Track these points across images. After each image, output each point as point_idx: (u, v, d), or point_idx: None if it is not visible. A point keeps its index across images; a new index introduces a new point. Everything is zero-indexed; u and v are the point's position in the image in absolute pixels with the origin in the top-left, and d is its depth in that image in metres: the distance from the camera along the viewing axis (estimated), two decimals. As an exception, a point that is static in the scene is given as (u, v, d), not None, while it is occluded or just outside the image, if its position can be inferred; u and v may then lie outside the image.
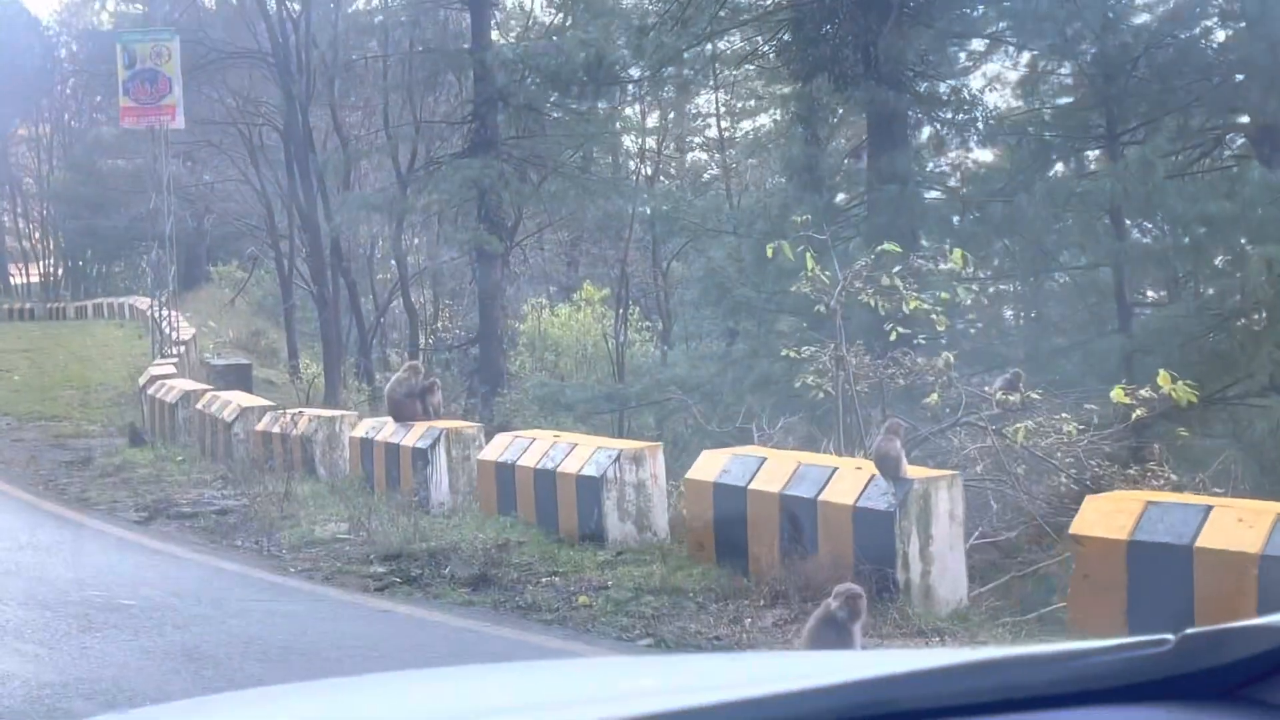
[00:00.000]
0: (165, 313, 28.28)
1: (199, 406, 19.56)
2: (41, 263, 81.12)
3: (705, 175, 49.32)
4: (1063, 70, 17.24)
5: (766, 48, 26.43)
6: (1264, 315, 14.06)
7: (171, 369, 24.10)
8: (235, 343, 41.81)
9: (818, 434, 14.28)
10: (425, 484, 13.58)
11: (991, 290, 17.86)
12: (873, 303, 10.70)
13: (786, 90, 38.92)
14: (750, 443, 14.13)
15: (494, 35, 34.16)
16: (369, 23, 34.68)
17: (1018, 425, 9.74)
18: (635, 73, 24.37)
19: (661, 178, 43.13)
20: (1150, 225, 16.82)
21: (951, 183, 18.71)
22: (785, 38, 23.07)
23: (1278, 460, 13.22)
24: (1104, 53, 16.10)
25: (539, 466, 11.83)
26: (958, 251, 10.84)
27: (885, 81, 19.79)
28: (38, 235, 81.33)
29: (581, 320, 42.44)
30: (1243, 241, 15.09)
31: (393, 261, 36.62)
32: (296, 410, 17.19)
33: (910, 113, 20.47)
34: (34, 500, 16.36)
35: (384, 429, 14.59)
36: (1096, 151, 17.83)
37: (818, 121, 34.44)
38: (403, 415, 14.49)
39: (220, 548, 13.23)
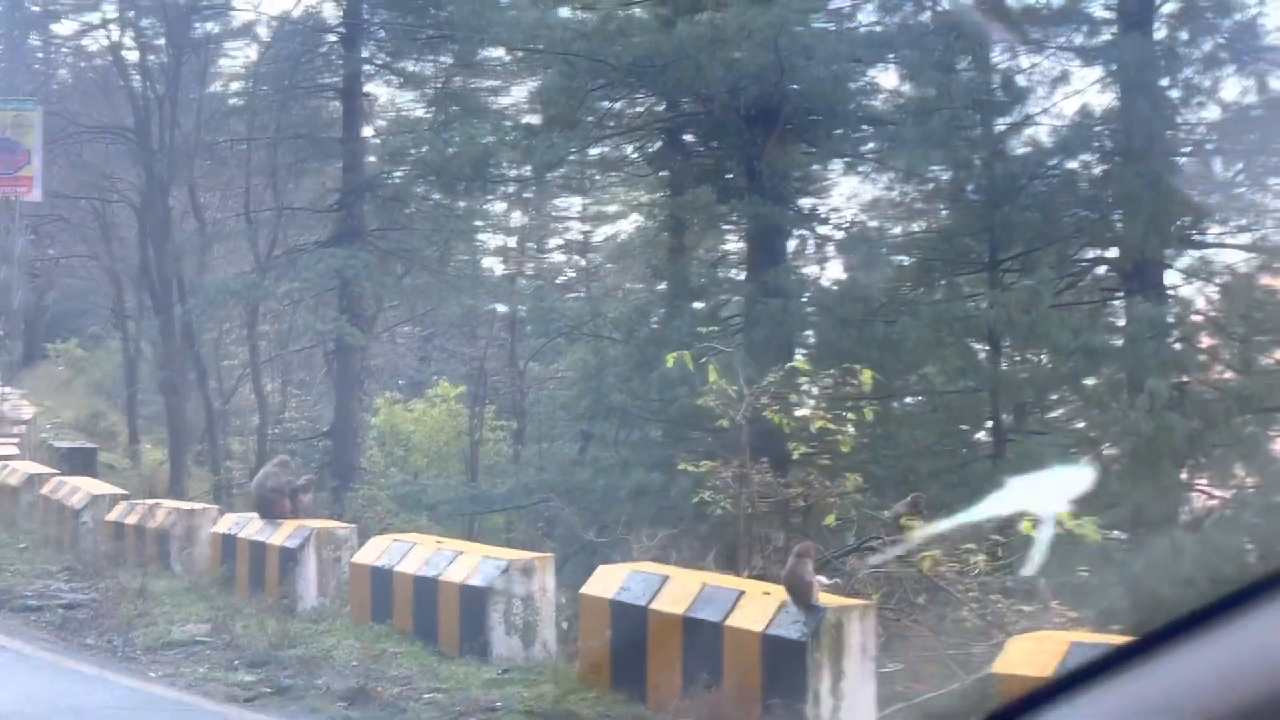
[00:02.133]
0: (3, 390, 27.08)
1: (44, 492, 18.63)
2: None
3: (560, 278, 49.31)
4: (942, 197, 17.47)
5: (640, 155, 26.47)
6: (1142, 448, 14.22)
7: (14, 449, 23.02)
8: (74, 424, 40.29)
9: (701, 550, 14.05)
10: (293, 586, 12.99)
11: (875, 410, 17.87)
12: (777, 419, 10.52)
13: (647, 198, 39.18)
14: (628, 554, 13.84)
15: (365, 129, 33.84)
16: (235, 105, 34.06)
17: (925, 554, 9.60)
18: (513, 173, 24.18)
19: (520, 277, 42.91)
20: (1029, 355, 17.00)
21: (828, 300, 18.77)
22: (663, 147, 23.15)
23: (1152, 596, 13.27)
24: (990, 180, 16.33)
25: (420, 574, 11.36)
26: (867, 372, 10.74)
27: (768, 196, 19.88)
28: None
29: (435, 416, 41.84)
30: (1120, 375, 15.34)
31: (246, 349, 35.71)
32: (153, 501, 16.42)
33: (791, 229, 20.59)
34: None
35: (249, 525, 13.98)
36: (973, 276, 18.03)
37: (685, 230, 34.68)
38: (270, 512, 13.90)
39: (70, 646, 12.48)
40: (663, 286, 28.38)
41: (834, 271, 20.72)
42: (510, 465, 28.45)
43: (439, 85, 32.36)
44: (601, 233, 48.29)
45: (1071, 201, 16.51)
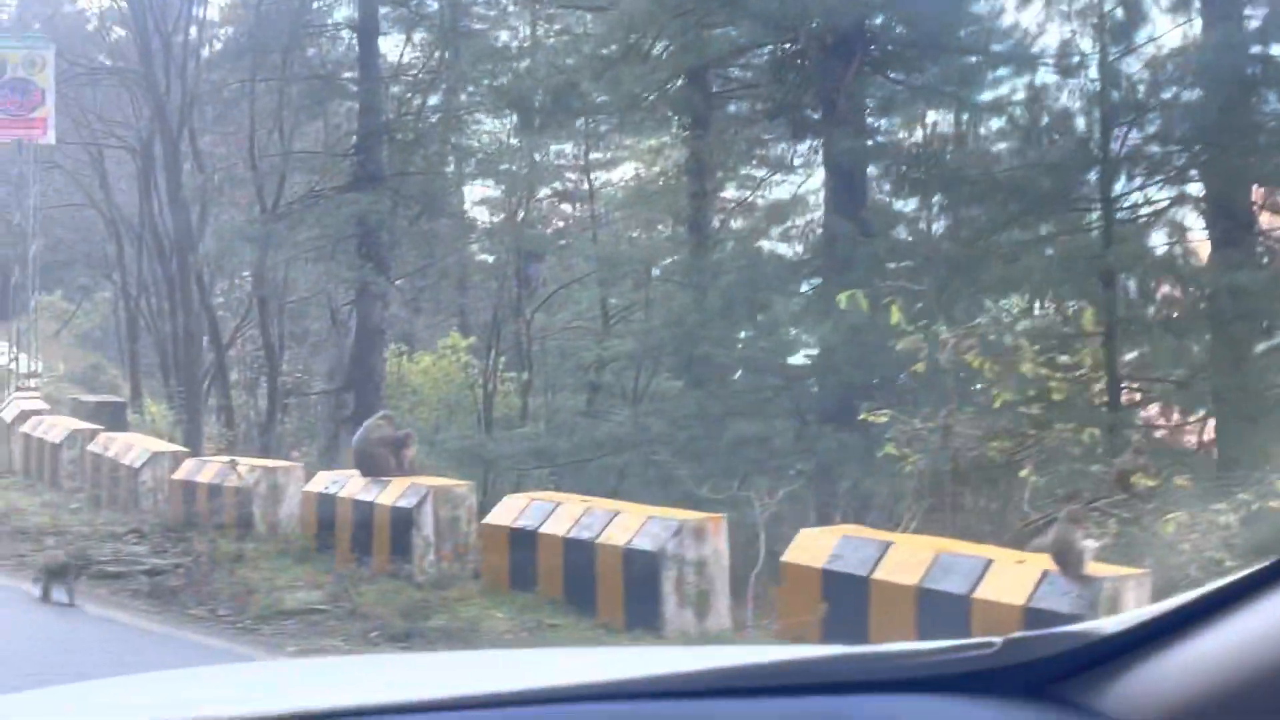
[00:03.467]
0: (18, 344, 25.84)
1: (93, 448, 17.54)
2: None
3: (559, 223, 48.13)
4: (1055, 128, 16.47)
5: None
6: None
7: (42, 404, 21.91)
8: (71, 378, 39.06)
9: (825, 505, 13.17)
10: (407, 549, 12.01)
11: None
12: (977, 363, 9.60)
13: (654, 142, 38.01)
14: (749, 513, 12.97)
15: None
16: (244, 44, 32.67)
17: (1169, 515, 8.73)
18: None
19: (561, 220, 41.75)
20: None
21: (927, 240, 17.86)
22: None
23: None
24: (1104, 109, 15.33)
25: (572, 536, 10.40)
26: (1088, 312, 9.82)
27: (847, 128, 18.90)
28: None
29: (444, 367, 40.82)
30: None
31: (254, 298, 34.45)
32: (227, 458, 15.37)
33: (877, 164, 19.59)
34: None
35: (349, 484, 12.97)
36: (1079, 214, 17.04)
37: (706, 174, 33.57)
38: (374, 469, 12.90)
39: (172, 616, 11.47)
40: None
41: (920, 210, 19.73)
42: (580, 419, 27.05)
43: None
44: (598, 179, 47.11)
45: (1192, 132, 15.54)
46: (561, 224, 48.33)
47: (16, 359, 25.63)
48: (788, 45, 19.60)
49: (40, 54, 24.90)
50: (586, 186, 47.14)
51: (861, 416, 11.66)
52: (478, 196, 42.72)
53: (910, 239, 18.78)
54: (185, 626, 10.97)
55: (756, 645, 9.46)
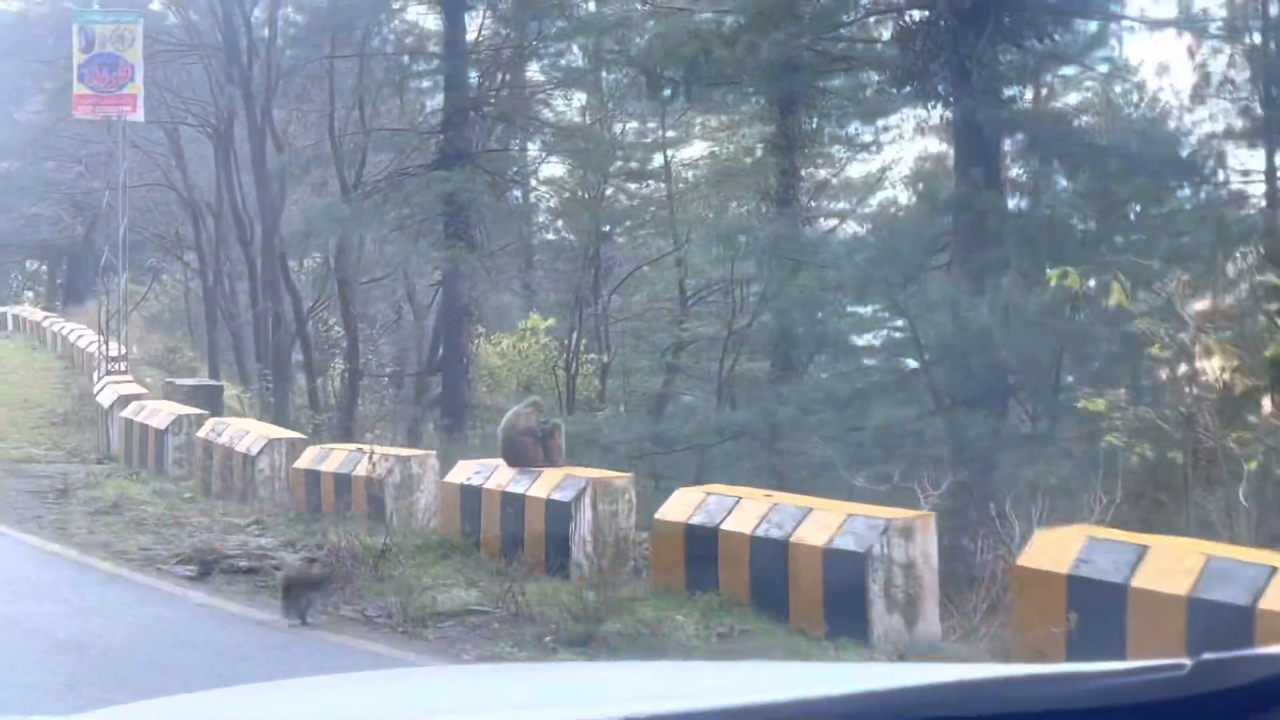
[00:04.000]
0: (108, 326, 25.29)
1: (202, 434, 16.91)
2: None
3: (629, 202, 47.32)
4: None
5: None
6: None
7: (139, 387, 21.34)
8: (147, 360, 38.64)
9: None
10: (564, 545, 11.27)
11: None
12: (1220, 349, 8.76)
13: (726, 118, 37.15)
14: (913, 504, 12.14)
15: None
16: (329, 21, 31.99)
17: None
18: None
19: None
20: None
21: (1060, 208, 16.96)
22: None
23: None
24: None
25: (760, 534, 9.61)
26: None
27: (979, 96, 18.00)
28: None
29: (524, 349, 40.16)
30: None
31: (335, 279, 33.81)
32: (353, 446, 14.68)
33: (1010, 132, 18.70)
34: (35, 541, 13.65)
35: (494, 475, 12.24)
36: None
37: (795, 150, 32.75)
38: (520, 459, 12.17)
39: (329, 617, 10.73)
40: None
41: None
42: (699, 404, 26.17)
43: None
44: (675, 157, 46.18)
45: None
46: (633, 203, 47.62)
47: (106, 343, 25.06)
48: (915, 12, 18.73)
49: (129, 28, 24.26)
50: (661, 164, 46.28)
51: (1080, 404, 10.81)
52: (544, 175, 42.05)
53: (1048, 211, 17.86)
54: (339, 629, 10.26)
55: (952, 663, 8.65)
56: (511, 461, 12.21)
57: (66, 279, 62.26)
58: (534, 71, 32.07)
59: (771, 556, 9.49)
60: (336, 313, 39.23)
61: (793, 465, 17.30)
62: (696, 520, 10.12)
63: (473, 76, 29.76)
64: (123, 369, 24.52)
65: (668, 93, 22.37)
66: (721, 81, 21.73)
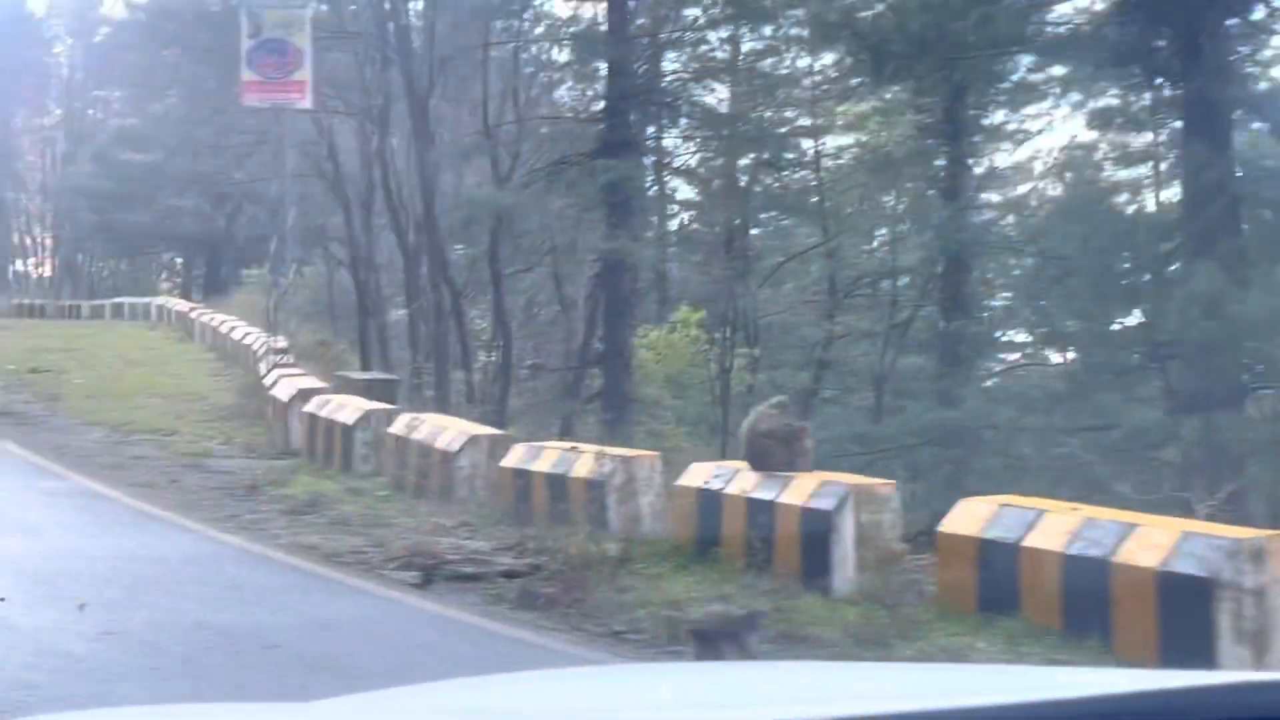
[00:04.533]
0: (275, 318, 24.83)
1: (396, 430, 16.23)
2: (40, 258, 77.46)
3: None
4: None
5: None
6: None
7: (316, 380, 20.79)
8: (297, 352, 38.38)
9: None
10: (824, 559, 10.33)
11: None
12: None
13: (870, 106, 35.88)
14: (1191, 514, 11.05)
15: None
16: (485, 6, 31.34)
17: None
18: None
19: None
20: None
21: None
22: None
23: None
24: None
25: (1073, 552, 8.61)
26: None
27: (1210, 75, 16.77)
28: (38, 230, 77.69)
29: (673, 342, 39.32)
30: None
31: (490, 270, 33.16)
32: (568, 445, 13.87)
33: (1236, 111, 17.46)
34: (238, 541, 13.02)
35: (735, 479, 11.34)
36: None
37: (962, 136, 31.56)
38: (765, 463, 11.26)
39: (560, 631, 9.92)
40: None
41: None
42: (899, 403, 25.14)
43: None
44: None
45: None
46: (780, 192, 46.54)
47: (275, 335, 24.60)
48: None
49: (297, 12, 23.75)
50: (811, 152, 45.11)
51: None
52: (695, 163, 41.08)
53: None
54: (590, 645, 9.44)
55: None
56: (756, 465, 11.31)
57: (206, 271, 62.62)
58: (688, 58, 31.15)
59: (1088, 579, 8.48)
60: (478, 305, 38.84)
61: (1011, 470, 16.23)
62: (992, 535, 9.13)
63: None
64: (289, 361, 24.05)
65: (891, 71, 21.30)
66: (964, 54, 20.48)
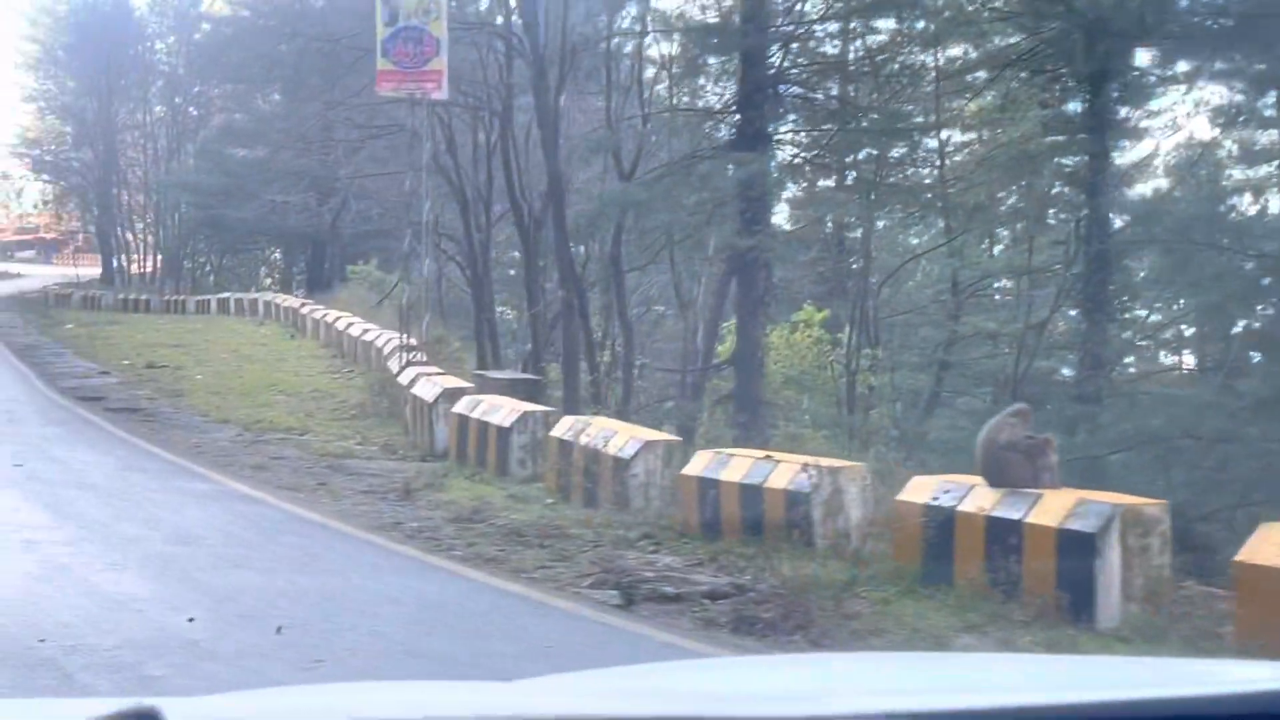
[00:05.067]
0: (409, 314, 24.02)
1: (558, 433, 15.34)
2: (142, 254, 77.80)
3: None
4: None
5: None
6: None
7: (458, 380, 19.99)
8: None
9: None
10: (1085, 591, 9.27)
11: None
12: None
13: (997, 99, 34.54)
14: None
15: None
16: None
17: None
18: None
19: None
20: None
21: None
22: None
23: None
24: None
25: None
26: None
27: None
28: (140, 226, 78.03)
29: (795, 342, 38.32)
30: None
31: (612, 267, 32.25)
32: (760, 453, 12.89)
33: None
34: (412, 552, 12.17)
35: (970, 495, 10.31)
36: None
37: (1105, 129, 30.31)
38: (1004, 477, 10.22)
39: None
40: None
41: None
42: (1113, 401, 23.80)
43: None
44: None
45: None
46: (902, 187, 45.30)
47: (407, 333, 23.83)
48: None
49: (435, 1, 22.94)
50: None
51: None
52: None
53: None
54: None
55: None
56: (994, 481, 10.26)
57: (309, 266, 62.27)
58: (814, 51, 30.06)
59: None
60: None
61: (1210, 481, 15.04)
62: (1295, 564, 8.05)
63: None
64: (422, 359, 23.29)
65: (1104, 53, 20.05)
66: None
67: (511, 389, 19.84)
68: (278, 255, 70.27)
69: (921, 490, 10.71)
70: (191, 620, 8.58)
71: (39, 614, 8.58)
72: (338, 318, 36.63)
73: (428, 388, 19.37)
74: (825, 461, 11.95)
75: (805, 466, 11.64)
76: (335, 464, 18.03)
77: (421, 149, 23.65)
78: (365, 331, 32.02)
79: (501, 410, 16.79)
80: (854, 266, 38.43)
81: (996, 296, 39.50)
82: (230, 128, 62.51)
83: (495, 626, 9.16)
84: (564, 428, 15.32)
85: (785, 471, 11.95)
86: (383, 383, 25.11)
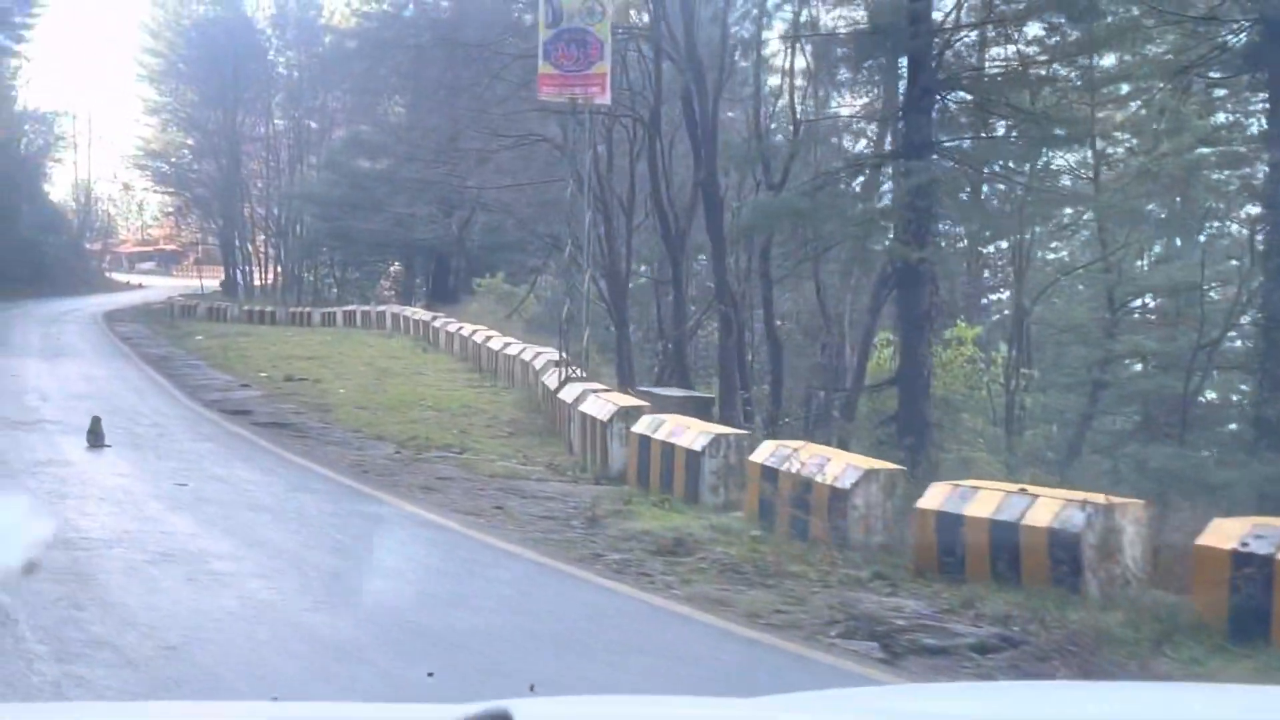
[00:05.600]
0: (568, 331, 22.96)
1: (764, 460, 14.17)
2: (262, 265, 78.03)
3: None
4: None
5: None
6: None
7: (631, 398, 18.92)
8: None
9: None
10: None
11: None
12: None
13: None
14: None
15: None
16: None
17: None
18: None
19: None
20: None
21: None
22: None
23: None
24: None
25: None
26: None
27: None
28: (262, 238, 78.24)
29: (947, 360, 36.83)
30: None
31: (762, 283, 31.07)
32: (1018, 487, 11.63)
33: None
34: (625, 590, 11.08)
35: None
36: None
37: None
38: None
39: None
40: None
41: None
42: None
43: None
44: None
45: None
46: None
47: (565, 348, 22.77)
48: None
49: (600, 1, 21.94)
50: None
51: None
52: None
53: None
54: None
55: None
56: (1318, 523, 8.98)
57: (433, 278, 61.72)
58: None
59: None
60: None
61: None
62: None
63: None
64: (583, 375, 22.25)
65: None
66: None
67: (682, 407, 18.77)
68: (395, 267, 69.95)
69: (1224, 535, 9.40)
70: (431, 675, 7.54)
71: (261, 665, 7.61)
72: (474, 331, 35.82)
73: (598, 405, 18.31)
74: (1094, 497, 10.66)
75: (1084, 503, 10.35)
76: (506, 485, 17.04)
77: (582, 157, 22.60)
78: (507, 345, 31.11)
79: (689, 432, 15.67)
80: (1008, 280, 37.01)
81: (1151, 316, 37.98)
82: (356, 139, 62.24)
83: (764, 686, 8.02)
84: (765, 453, 14.16)
85: (1047, 507, 10.69)
86: (534, 399, 24.14)
